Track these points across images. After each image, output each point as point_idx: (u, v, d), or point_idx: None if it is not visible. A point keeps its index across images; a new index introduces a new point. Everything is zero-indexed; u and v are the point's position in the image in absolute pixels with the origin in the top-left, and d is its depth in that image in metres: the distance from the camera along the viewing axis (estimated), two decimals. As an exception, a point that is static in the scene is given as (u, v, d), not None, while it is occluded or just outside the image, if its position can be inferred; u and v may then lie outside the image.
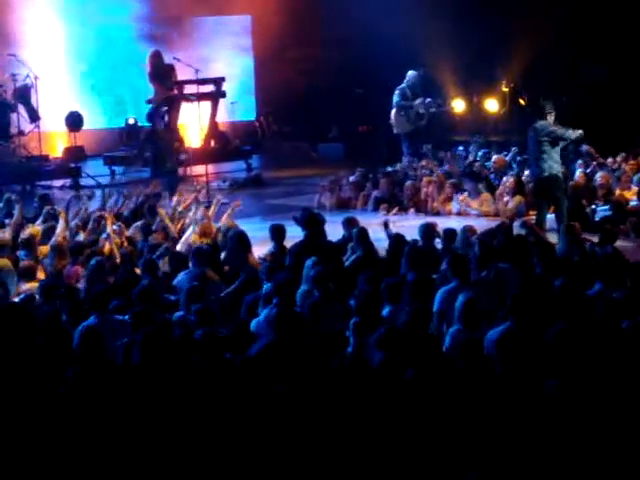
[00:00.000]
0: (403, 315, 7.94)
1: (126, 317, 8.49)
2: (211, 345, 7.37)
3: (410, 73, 18.82)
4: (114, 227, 11.78)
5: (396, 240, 10.73)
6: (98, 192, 15.05)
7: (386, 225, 11.44)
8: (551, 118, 13.01)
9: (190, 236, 11.64)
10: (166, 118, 20.13)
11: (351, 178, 17.08)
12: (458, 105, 20.40)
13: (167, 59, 20.44)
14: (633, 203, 14.24)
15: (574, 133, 12.97)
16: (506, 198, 15.22)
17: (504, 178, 15.91)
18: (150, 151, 15.92)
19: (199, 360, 7.25)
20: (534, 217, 13.54)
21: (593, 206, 14.29)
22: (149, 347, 7.21)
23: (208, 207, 13.08)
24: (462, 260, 9.21)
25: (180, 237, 11.90)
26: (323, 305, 8.74)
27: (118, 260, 11.00)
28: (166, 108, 20.16)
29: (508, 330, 7.63)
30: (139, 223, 12.47)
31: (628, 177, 15.35)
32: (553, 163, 12.97)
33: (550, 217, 13.34)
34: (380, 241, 11.40)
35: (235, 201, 13.17)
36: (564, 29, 20.34)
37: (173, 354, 7.25)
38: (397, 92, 18.70)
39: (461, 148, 18.92)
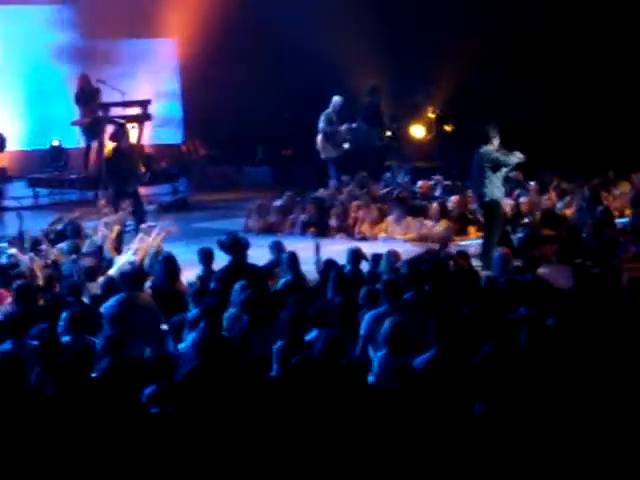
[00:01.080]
0: (319, 343, 7.89)
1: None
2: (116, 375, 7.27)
3: (335, 98, 18.91)
4: (39, 248, 11.66)
5: (328, 264, 10.74)
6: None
7: (317, 249, 11.46)
8: (496, 142, 13.14)
9: (126, 261, 11.54)
10: (93, 140, 20.04)
11: (278, 202, 17.08)
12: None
13: (92, 81, 20.31)
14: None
15: (515, 159, 13.11)
16: (430, 223, 15.32)
17: (430, 203, 16.06)
18: (113, 170, 15.43)
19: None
20: (460, 242, 13.71)
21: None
22: (63, 378, 7.09)
23: (136, 231, 13.01)
24: (395, 284, 9.24)
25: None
26: (252, 329, 8.72)
27: (40, 282, 10.87)
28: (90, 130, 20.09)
29: (434, 356, 7.68)
30: (63, 245, 12.32)
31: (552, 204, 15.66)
32: (494, 188, 13.10)
33: (475, 242, 13.53)
34: (307, 265, 11.41)
35: (170, 226, 13.12)
36: (493, 52, 20.59)
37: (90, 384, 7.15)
38: (322, 117, 18.76)
39: (388, 174, 19.02)
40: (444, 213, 15.58)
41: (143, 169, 16.27)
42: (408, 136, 20.78)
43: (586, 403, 6.73)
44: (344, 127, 18.68)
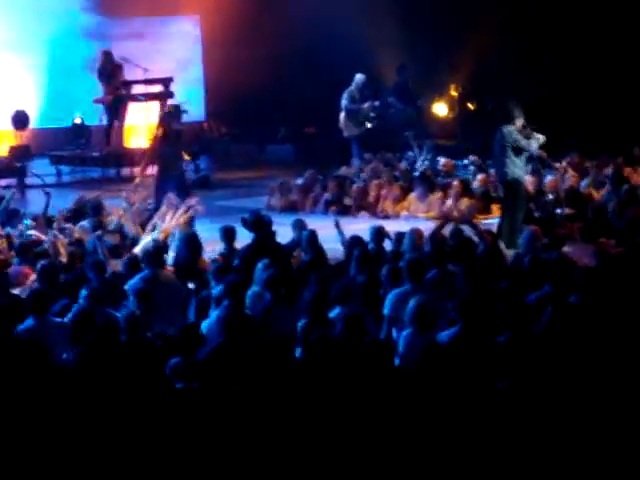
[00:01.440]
0: (339, 321, 7.87)
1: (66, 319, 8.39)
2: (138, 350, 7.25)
3: (358, 76, 18.81)
4: (64, 226, 11.68)
5: (353, 242, 10.70)
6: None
7: (337, 225, 11.42)
8: (519, 122, 13.05)
9: (150, 239, 11.54)
10: (115, 118, 20.08)
11: (300, 180, 17.05)
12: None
13: (115, 59, 20.31)
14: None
15: (535, 144, 13.04)
16: (450, 201, 15.25)
17: (453, 181, 16.01)
18: (162, 152, 14.86)
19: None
20: (483, 220, 13.66)
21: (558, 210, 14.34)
22: (92, 351, 7.11)
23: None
24: (418, 263, 9.20)
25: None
26: (275, 307, 8.70)
27: (65, 260, 10.88)
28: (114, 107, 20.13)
29: (458, 333, 7.65)
30: (85, 222, 12.32)
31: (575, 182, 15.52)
32: (515, 168, 13.03)
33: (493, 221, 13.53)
34: (329, 243, 11.39)
35: (196, 205, 13.07)
36: (514, 30, 20.50)
37: (118, 358, 7.17)
38: (345, 95, 18.68)
39: (411, 153, 18.95)
40: (467, 191, 15.53)
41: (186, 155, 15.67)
42: (431, 114, 20.67)
43: (608, 383, 6.68)
44: (367, 105, 18.60)
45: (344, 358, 7.08)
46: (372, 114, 18.73)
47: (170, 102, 19.00)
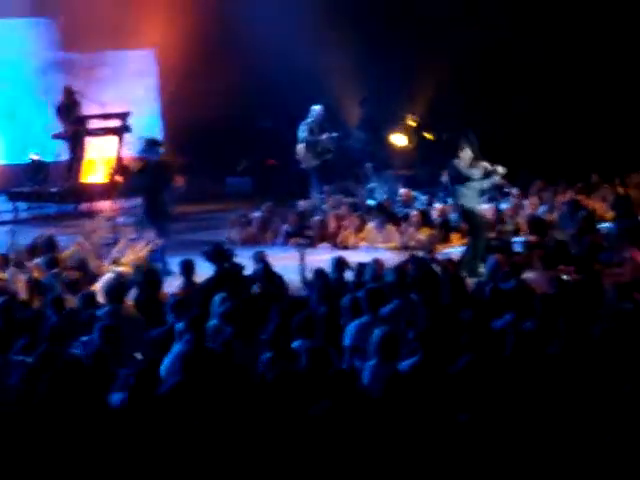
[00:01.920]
0: (303, 354, 7.86)
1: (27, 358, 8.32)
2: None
3: (315, 107, 18.86)
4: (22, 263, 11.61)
5: (318, 275, 10.70)
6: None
7: (302, 258, 11.44)
8: (466, 154, 13.26)
9: (111, 274, 11.49)
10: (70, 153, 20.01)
11: (257, 213, 17.05)
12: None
13: (74, 94, 20.25)
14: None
15: (477, 172, 13.23)
16: (408, 232, 15.30)
17: (411, 211, 16.08)
18: (141, 186, 14.43)
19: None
20: (443, 250, 13.79)
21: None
22: (55, 387, 7.04)
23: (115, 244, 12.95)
24: (377, 293, 9.22)
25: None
26: (236, 340, 8.66)
27: (24, 297, 10.80)
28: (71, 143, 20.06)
29: (418, 362, 7.66)
30: (39, 260, 12.22)
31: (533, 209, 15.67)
32: (467, 198, 13.28)
33: (458, 249, 13.64)
34: (290, 274, 11.39)
35: (155, 239, 13.03)
36: (472, 62, 20.70)
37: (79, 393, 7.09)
38: (303, 127, 18.71)
39: (373, 183, 19.03)
40: (425, 221, 15.60)
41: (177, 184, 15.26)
42: (389, 144, 20.77)
43: (569, 409, 6.70)
44: (325, 136, 18.64)
45: (309, 390, 7.05)
46: (330, 146, 18.76)
47: (145, 136, 18.94)
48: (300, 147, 18.60)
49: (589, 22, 20.44)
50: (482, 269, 12.20)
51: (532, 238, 14.02)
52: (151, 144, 14.37)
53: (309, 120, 18.68)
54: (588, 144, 19.58)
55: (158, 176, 14.00)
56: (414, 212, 15.91)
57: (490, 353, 7.66)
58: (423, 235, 15.12)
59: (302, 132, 18.63)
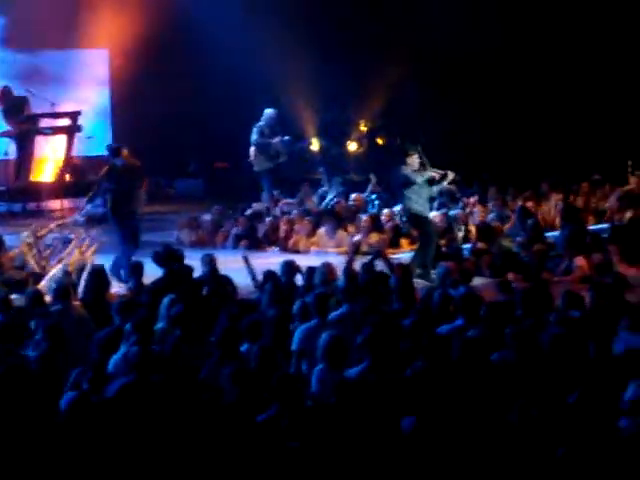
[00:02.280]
0: (252, 355, 7.84)
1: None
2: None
3: (268, 111, 18.82)
4: None
5: (268, 276, 10.67)
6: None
7: (246, 260, 11.40)
8: (412, 159, 13.31)
9: (57, 274, 11.38)
10: (18, 152, 19.83)
11: (207, 216, 16.97)
12: (316, 144, 20.56)
13: (20, 92, 20.04)
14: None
15: (420, 178, 13.29)
16: (358, 236, 15.28)
17: (362, 216, 16.08)
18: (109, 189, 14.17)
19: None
20: (393, 255, 13.81)
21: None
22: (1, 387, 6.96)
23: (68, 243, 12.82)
24: (325, 298, 9.21)
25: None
26: (184, 343, 8.61)
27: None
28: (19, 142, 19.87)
29: (365, 369, 7.66)
30: None
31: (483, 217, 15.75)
32: (412, 203, 13.31)
33: (408, 254, 13.68)
34: (239, 277, 11.35)
35: (100, 238, 12.91)
36: (424, 68, 20.79)
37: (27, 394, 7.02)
38: (255, 130, 18.66)
39: (324, 188, 19.03)
40: (376, 226, 15.60)
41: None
42: (343, 149, 20.83)
43: (514, 416, 6.72)
44: (276, 139, 18.61)
45: (259, 391, 7.03)
46: (282, 149, 18.72)
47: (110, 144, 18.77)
48: (252, 150, 18.56)
49: (545, 22, 20.60)
50: (434, 275, 12.24)
51: (480, 245, 14.09)
52: (115, 150, 14.19)
53: (261, 123, 18.64)
54: (539, 152, 19.73)
55: (125, 180, 13.81)
56: (364, 217, 15.91)
57: (436, 359, 7.66)
58: (373, 239, 15.11)
59: (254, 135, 18.59)
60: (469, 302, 9.11)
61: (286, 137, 18.92)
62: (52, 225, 13.78)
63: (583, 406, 6.75)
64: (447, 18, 20.45)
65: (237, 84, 20.69)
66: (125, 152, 14.12)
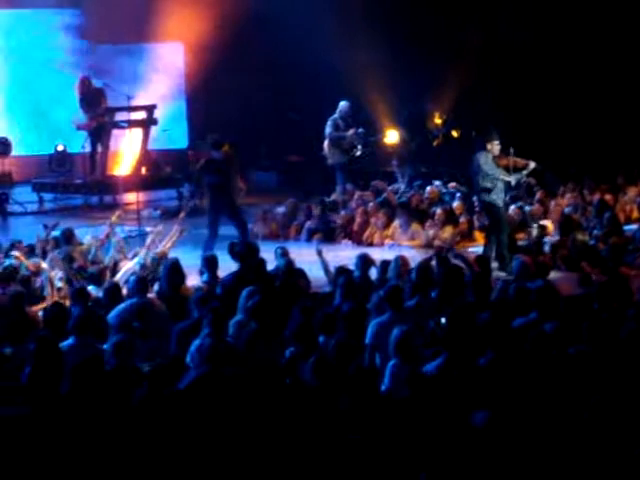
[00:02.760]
0: (330, 346, 7.86)
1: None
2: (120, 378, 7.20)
3: (342, 104, 18.78)
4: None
5: (339, 271, 10.64)
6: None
7: (320, 253, 11.39)
8: (493, 147, 13.20)
9: (133, 266, 11.48)
10: (98, 145, 20.07)
11: (281, 208, 17.00)
12: (391, 136, 20.48)
13: (98, 85, 20.27)
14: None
15: (504, 175, 13.14)
16: (433, 230, 15.19)
17: (437, 209, 15.98)
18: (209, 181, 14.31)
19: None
20: (468, 248, 13.73)
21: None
22: (79, 378, 7.04)
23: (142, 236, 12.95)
24: (397, 291, 9.17)
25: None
26: (260, 336, 8.63)
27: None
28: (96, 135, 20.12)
29: (443, 364, 7.61)
30: (56, 253, 12.17)
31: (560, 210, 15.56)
32: (489, 194, 13.19)
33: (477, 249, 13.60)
34: (313, 271, 11.34)
35: (180, 228, 13.00)
36: (494, 62, 20.64)
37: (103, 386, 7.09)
38: (329, 123, 18.63)
39: (399, 182, 18.95)
40: (450, 219, 15.50)
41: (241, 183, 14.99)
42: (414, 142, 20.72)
43: (586, 412, 6.63)
44: (351, 132, 18.57)
45: (337, 384, 7.03)
46: (357, 142, 18.67)
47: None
48: (326, 143, 18.55)
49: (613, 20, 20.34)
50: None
51: (557, 239, 13.91)
52: (217, 143, 14.25)
53: (335, 116, 18.62)
54: (614, 145, 19.46)
55: (224, 172, 13.89)
56: (438, 210, 15.81)
57: (510, 353, 7.60)
58: (447, 233, 15.02)
59: (328, 128, 18.58)
60: (546, 295, 9.01)
61: (360, 129, 18.87)
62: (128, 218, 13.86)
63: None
64: (522, 12, 20.32)
65: (311, 77, 20.69)
66: (226, 146, 14.20)
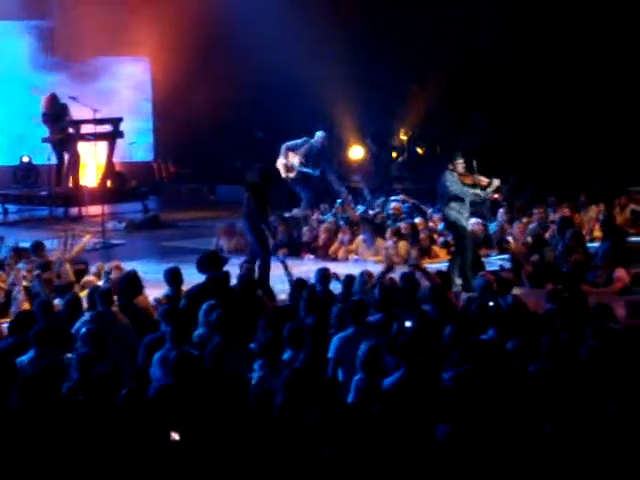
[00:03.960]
0: (299, 360, 7.91)
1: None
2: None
3: (318, 134, 18.48)
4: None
5: (298, 284, 10.70)
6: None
7: (285, 266, 11.43)
8: (457, 166, 13.33)
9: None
10: (65, 156, 20.05)
11: (247, 222, 16.95)
12: (356, 152, 20.58)
13: (63, 98, 20.25)
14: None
15: (469, 193, 13.28)
16: (389, 242, 15.22)
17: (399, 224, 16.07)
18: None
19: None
20: (429, 264, 13.81)
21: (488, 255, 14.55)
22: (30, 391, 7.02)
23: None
24: (361, 306, 9.22)
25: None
26: (224, 349, 8.65)
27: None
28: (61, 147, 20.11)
29: (402, 377, 7.66)
30: (22, 263, 12.18)
31: (524, 227, 15.66)
32: (452, 211, 13.30)
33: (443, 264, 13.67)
34: (277, 284, 11.38)
35: (86, 235, 13.02)
36: (455, 80, 20.81)
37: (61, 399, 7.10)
38: (300, 142, 18.35)
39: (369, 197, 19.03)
40: (411, 234, 15.51)
41: None
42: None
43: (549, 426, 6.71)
44: (297, 158, 18.33)
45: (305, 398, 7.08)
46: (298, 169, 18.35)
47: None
48: (279, 163, 18.37)
49: (589, 32, 20.51)
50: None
51: (521, 255, 13.99)
52: (264, 174, 14.19)
53: (312, 141, 18.33)
54: (576, 163, 19.66)
55: (265, 196, 13.88)
56: (404, 225, 15.89)
57: (473, 369, 7.66)
58: (401, 247, 15.06)
59: (296, 152, 18.27)
60: (516, 311, 9.11)
61: (316, 171, 18.45)
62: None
63: (620, 417, 6.73)
64: (491, 25, 20.49)
65: (276, 90, 20.75)
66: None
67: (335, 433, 6.56)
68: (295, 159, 18.28)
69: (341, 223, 16.48)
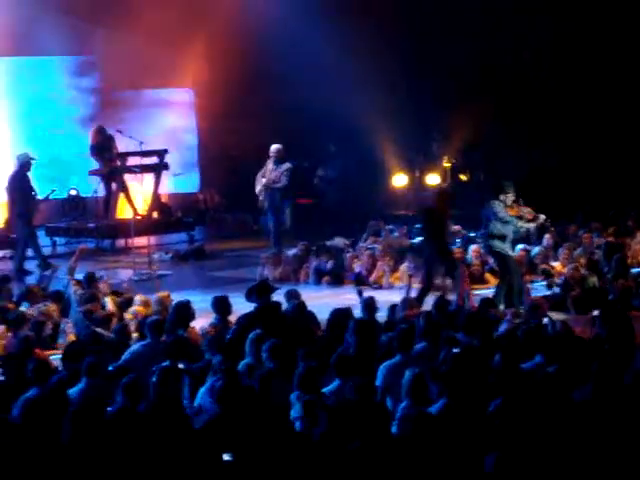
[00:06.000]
0: (348, 389, 7.92)
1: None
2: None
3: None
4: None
5: (340, 315, 10.69)
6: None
7: (360, 294, 11.48)
8: (507, 198, 13.34)
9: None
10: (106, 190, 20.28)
11: (293, 251, 17.06)
12: (399, 180, 20.62)
13: (110, 131, 20.49)
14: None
15: (520, 223, 13.30)
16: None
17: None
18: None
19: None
20: (478, 291, 13.80)
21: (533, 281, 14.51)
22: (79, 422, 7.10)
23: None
24: (407, 334, 9.23)
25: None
26: (274, 377, 8.66)
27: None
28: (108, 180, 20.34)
29: (446, 405, 7.67)
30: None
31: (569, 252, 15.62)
32: (498, 240, 13.30)
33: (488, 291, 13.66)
34: (322, 314, 11.40)
35: (81, 245, 13.07)
36: (506, 106, 20.80)
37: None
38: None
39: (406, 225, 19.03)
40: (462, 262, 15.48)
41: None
42: (424, 185, 20.86)
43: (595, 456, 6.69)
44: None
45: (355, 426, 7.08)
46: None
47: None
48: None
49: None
50: (521, 310, 12.18)
51: (575, 279, 13.91)
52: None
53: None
54: (623, 188, 19.58)
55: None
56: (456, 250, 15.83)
57: (518, 396, 7.65)
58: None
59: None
60: (559, 338, 9.09)
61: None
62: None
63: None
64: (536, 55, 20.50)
65: (320, 120, 20.85)
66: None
67: (380, 463, 6.57)
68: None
69: (377, 252, 16.44)
